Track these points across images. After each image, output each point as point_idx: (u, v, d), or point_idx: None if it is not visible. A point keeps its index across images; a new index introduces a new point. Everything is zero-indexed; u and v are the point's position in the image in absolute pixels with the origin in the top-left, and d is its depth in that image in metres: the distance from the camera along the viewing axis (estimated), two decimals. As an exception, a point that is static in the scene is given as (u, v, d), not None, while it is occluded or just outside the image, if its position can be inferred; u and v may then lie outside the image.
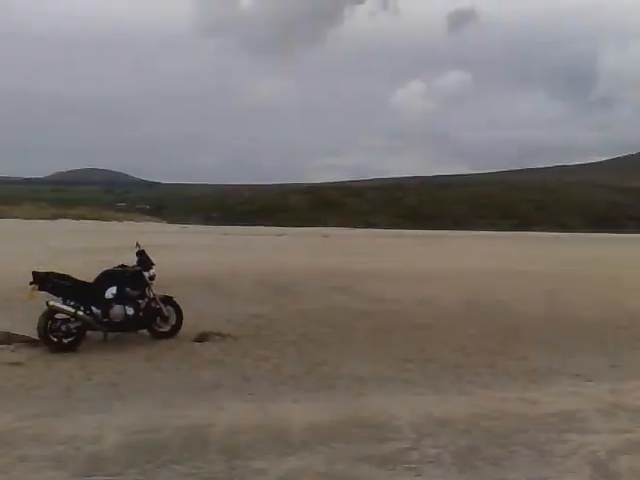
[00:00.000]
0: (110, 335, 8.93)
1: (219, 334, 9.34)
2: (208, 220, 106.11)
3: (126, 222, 76.39)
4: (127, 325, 8.93)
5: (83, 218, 74.62)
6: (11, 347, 8.37)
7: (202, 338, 9.13)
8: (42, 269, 8.79)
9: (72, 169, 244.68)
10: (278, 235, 52.41)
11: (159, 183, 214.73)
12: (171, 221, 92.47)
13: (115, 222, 74.26)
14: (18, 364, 7.54)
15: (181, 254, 22.45)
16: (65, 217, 74.26)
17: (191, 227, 73.90)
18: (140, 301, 9.05)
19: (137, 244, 9.52)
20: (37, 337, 8.43)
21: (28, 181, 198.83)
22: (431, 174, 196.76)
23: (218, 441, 4.96)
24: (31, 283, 8.51)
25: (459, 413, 5.91)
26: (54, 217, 73.06)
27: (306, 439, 5.11)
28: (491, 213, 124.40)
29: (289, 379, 7.31)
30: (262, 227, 78.12)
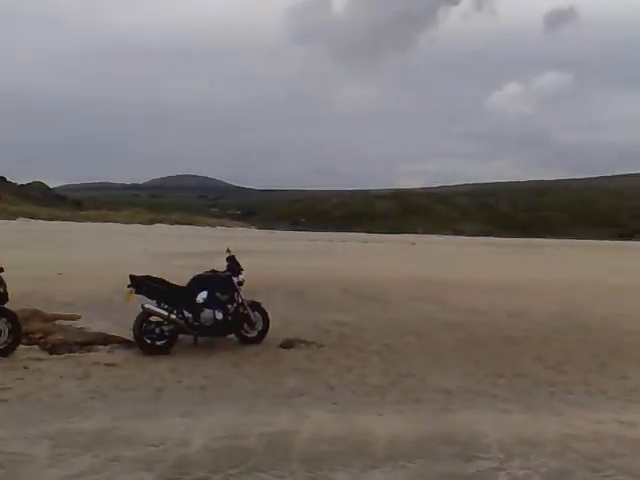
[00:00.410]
0: (200, 339, 9.17)
1: (304, 341, 9.39)
2: (296, 226, 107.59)
3: (218, 227, 78.52)
4: (216, 329, 9.12)
5: (177, 223, 77.33)
6: (107, 348, 8.76)
7: (287, 345, 9.21)
8: (139, 273, 9.13)
9: (169, 175, 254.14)
10: (365, 242, 52.38)
11: (250, 189, 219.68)
12: (260, 226, 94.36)
13: (207, 227, 76.48)
14: (113, 365, 7.85)
15: (269, 260, 22.83)
16: (161, 222, 77.21)
17: (279, 233, 75.14)
18: (229, 306, 9.22)
19: (227, 250, 9.73)
20: (132, 338, 8.77)
21: (129, 187, 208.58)
22: (526, 179, 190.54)
23: (301, 450, 4.97)
24: (128, 286, 8.84)
25: (550, 433, 5.65)
26: (151, 222, 76.14)
27: (390, 453, 5.03)
28: (589, 221, 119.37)
29: (373, 390, 7.23)
30: (349, 233, 78.38)
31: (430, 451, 5.08)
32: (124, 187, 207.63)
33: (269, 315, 9.55)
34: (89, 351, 8.61)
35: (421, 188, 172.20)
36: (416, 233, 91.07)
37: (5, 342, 8.09)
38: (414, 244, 50.41)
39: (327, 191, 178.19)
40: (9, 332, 8.13)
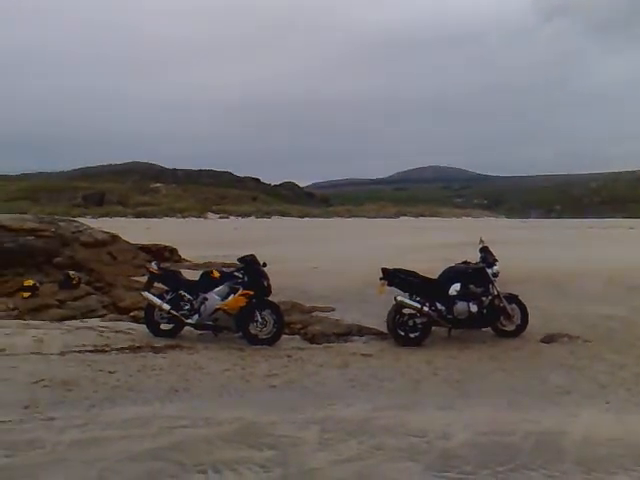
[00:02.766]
0: (454, 331, 9.02)
1: (567, 335, 8.79)
2: (549, 213, 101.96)
3: (464, 218, 77.52)
4: (471, 322, 8.90)
5: (422, 215, 78.12)
6: (363, 339, 9.06)
7: (549, 339, 8.68)
8: (387, 265, 9.23)
9: (411, 168, 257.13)
10: (631, 228, 47.85)
11: (497, 177, 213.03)
12: (510, 215, 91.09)
13: (453, 218, 75.91)
14: (370, 355, 8.04)
15: (523, 250, 21.82)
16: (405, 215, 78.66)
17: (531, 221, 71.84)
18: (484, 298, 8.95)
19: (481, 240, 9.44)
20: (385, 330, 8.92)
21: (373, 182, 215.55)
22: None
23: (573, 451, 4.56)
24: (381, 279, 9.02)
25: None
26: (396, 215, 77.98)
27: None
28: None
29: (653, 389, 6.46)
30: (611, 219, 72.20)
31: None
32: (368, 182, 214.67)
33: (527, 308, 9.07)
34: (345, 341, 8.97)
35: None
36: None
37: (270, 332, 8.76)
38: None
39: (583, 175, 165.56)
40: (274, 323, 8.79)
